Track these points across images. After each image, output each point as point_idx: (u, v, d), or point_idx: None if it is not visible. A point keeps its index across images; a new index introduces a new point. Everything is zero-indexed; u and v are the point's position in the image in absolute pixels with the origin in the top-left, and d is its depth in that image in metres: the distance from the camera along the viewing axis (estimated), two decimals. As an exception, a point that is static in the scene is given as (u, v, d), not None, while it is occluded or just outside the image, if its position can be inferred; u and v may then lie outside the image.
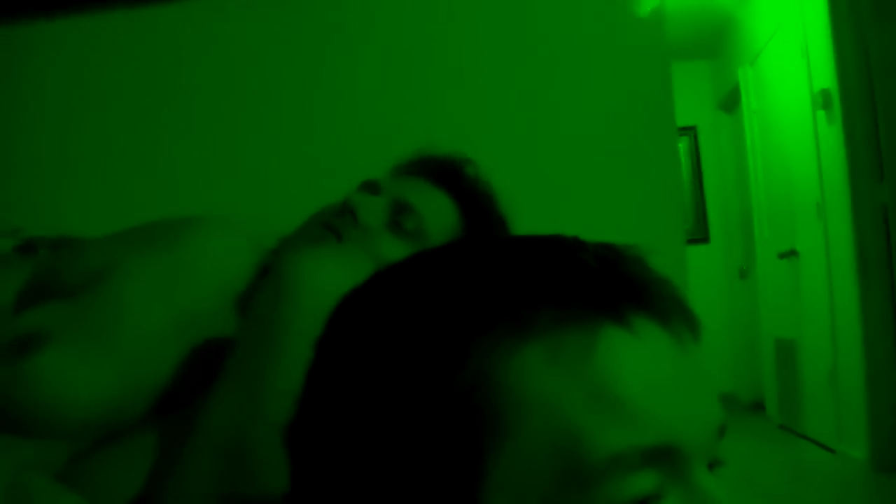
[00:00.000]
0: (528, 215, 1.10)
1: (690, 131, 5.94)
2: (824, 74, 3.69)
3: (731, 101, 5.58)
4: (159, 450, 0.76)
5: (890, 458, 3.32)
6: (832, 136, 3.64)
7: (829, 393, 3.81)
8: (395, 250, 0.94)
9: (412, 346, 0.43)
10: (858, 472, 3.37)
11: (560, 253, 0.45)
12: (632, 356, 0.42)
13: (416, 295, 0.45)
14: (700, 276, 5.43)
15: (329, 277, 0.73)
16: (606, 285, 0.43)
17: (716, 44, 5.66)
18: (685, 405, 0.43)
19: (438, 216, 1.01)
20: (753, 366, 5.30)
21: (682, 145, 5.92)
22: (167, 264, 0.85)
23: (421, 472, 0.41)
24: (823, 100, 3.68)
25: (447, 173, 1.07)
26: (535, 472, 0.40)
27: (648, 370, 0.42)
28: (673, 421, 0.41)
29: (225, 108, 1.50)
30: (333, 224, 0.95)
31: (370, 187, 1.01)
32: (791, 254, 4.28)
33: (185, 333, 0.82)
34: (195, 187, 1.45)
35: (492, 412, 0.40)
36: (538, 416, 0.40)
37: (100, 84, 1.53)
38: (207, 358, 0.80)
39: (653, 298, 0.44)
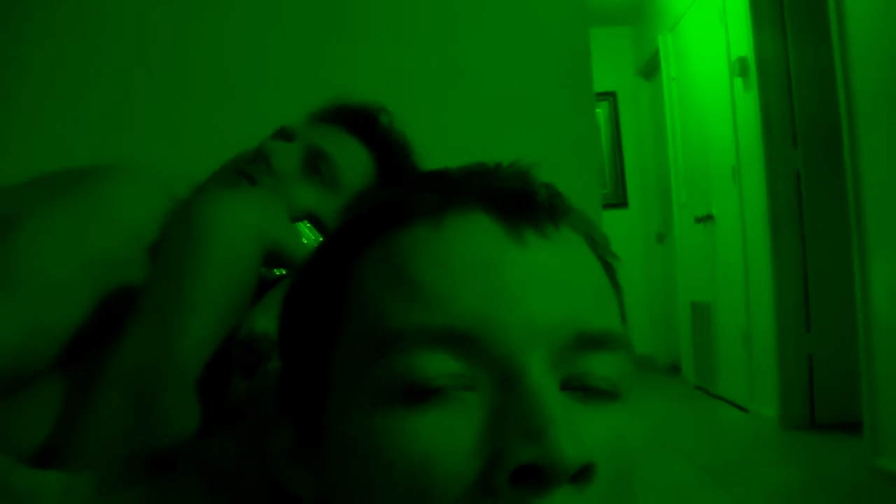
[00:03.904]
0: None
1: (610, 97, 6.01)
2: (741, 42, 3.76)
3: (650, 68, 5.65)
4: (67, 397, 0.75)
5: (798, 416, 3.47)
6: (748, 103, 3.72)
7: (743, 354, 3.94)
8: (308, 196, 0.96)
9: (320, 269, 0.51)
10: (769, 430, 3.52)
11: (418, 175, 0.54)
12: (433, 245, 0.45)
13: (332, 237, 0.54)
14: (618, 240, 5.40)
15: (239, 216, 0.74)
16: (429, 189, 0.48)
17: (637, 10, 5.71)
18: (502, 296, 0.42)
19: (352, 164, 1.02)
20: (670, 329, 5.44)
21: (602, 111, 5.98)
22: (77, 211, 0.83)
23: (309, 339, 0.49)
24: (740, 67, 3.75)
25: (362, 121, 1.07)
26: (355, 341, 0.44)
27: (454, 258, 0.44)
28: (478, 309, 0.42)
29: (135, 55, 1.43)
30: (247, 170, 0.95)
31: (284, 134, 1.01)
32: (707, 218, 4.39)
33: (95, 281, 0.81)
34: (106, 138, 1.39)
35: (349, 298, 0.47)
36: (362, 296, 0.45)
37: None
38: (118, 306, 0.78)
39: (489, 198, 0.47)
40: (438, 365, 0.41)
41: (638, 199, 6.00)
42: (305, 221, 0.92)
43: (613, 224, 5.56)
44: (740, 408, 3.95)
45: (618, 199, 6.00)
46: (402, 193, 0.49)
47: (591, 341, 0.44)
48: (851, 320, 2.88)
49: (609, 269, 0.52)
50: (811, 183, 3.51)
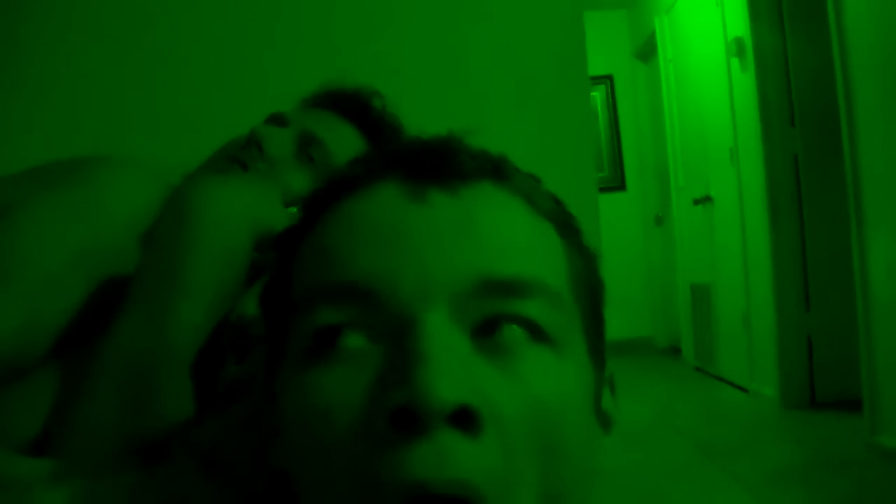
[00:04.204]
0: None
1: (607, 80, 5.98)
2: (738, 23, 3.74)
3: (647, 50, 5.62)
4: (60, 387, 0.75)
5: (798, 395, 3.48)
6: (745, 83, 3.71)
7: (742, 335, 3.95)
8: (301, 181, 0.96)
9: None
10: (769, 409, 3.53)
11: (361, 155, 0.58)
12: (346, 215, 0.48)
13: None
14: (617, 223, 5.53)
15: (230, 201, 0.74)
16: (364, 165, 0.52)
17: (632, -8, 5.68)
18: (397, 252, 0.45)
19: (345, 148, 1.01)
20: (670, 311, 5.44)
21: (599, 94, 5.96)
22: (71, 200, 0.83)
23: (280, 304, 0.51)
24: (737, 48, 3.73)
25: (354, 106, 1.08)
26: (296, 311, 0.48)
27: (358, 223, 0.47)
28: (374, 264, 0.44)
29: (130, 45, 1.43)
30: (238, 156, 0.95)
31: (277, 120, 1.01)
32: (706, 200, 4.38)
33: (88, 271, 0.80)
34: (101, 127, 1.39)
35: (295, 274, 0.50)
36: (299, 271, 0.49)
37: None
38: (112, 295, 0.77)
39: (403, 165, 0.50)
40: (326, 317, 0.44)
41: (636, 182, 5.98)
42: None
43: (612, 207, 5.57)
44: (740, 388, 3.96)
45: (616, 183, 5.98)
46: (341, 172, 0.53)
47: (501, 288, 0.45)
48: (850, 300, 2.89)
49: (564, 228, 0.53)
50: (809, 163, 3.50)
